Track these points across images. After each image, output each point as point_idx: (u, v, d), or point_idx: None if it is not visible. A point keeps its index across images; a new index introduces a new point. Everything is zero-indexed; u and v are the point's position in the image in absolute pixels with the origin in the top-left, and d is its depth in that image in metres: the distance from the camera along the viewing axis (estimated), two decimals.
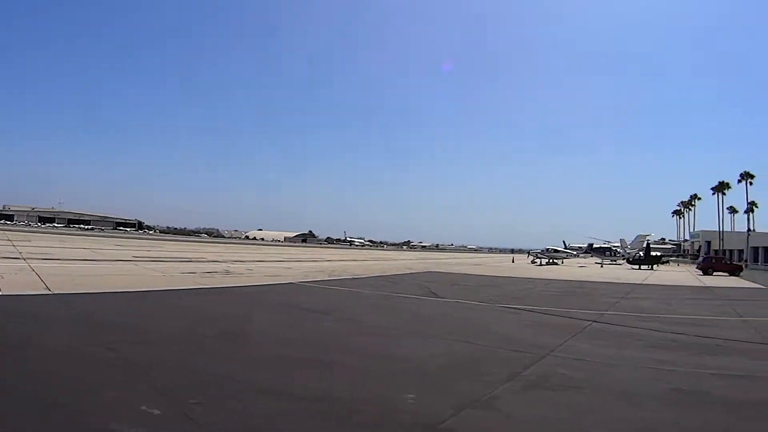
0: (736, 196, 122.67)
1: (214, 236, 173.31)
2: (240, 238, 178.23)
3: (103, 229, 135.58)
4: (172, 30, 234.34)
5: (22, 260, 21.05)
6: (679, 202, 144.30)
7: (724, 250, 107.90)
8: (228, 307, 13.21)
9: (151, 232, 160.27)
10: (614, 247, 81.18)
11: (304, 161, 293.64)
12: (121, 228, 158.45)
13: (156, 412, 4.91)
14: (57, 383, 5.70)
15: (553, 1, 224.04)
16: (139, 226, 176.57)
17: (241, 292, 16.46)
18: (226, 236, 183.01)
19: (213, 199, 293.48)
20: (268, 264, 33.17)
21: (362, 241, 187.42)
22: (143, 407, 4.96)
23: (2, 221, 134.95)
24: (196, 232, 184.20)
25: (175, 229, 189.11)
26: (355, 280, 23.28)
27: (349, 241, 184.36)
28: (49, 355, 6.98)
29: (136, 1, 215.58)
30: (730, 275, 47.83)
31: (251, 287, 17.86)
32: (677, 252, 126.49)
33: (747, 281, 39.19)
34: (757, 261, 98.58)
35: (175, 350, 7.74)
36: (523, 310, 15.02)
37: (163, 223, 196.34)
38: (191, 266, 25.97)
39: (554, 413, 5.67)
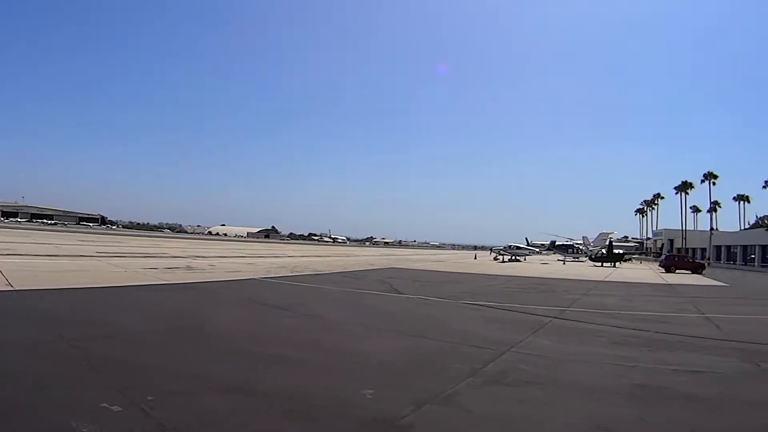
0: (699, 195, 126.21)
1: (177, 231, 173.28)
2: (203, 233, 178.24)
3: (66, 224, 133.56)
4: (133, 24, 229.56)
5: None
6: (642, 200, 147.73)
7: (687, 249, 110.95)
8: (189, 303, 13.07)
9: (114, 227, 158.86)
10: (577, 244, 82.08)
11: (266, 156, 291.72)
12: (84, 223, 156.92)
13: (116, 409, 4.87)
14: (17, 380, 5.60)
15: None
16: (102, 221, 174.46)
17: (203, 288, 16.28)
18: (189, 231, 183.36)
19: (176, 194, 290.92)
20: (231, 260, 33.17)
21: (330, 237, 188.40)
22: (103, 404, 4.93)
23: None
24: (159, 228, 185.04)
25: (138, 224, 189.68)
26: (317, 276, 23.32)
27: (318, 237, 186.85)
28: (9, 351, 6.87)
29: None
30: (693, 273, 48.76)
31: (213, 283, 17.78)
32: (640, 250, 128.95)
33: (709, 279, 40.03)
34: (720, 259, 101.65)
35: (135, 347, 7.67)
36: (485, 306, 14.97)
37: (126, 218, 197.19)
38: (153, 262, 25.87)
39: (514, 409, 5.63)
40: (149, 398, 5.17)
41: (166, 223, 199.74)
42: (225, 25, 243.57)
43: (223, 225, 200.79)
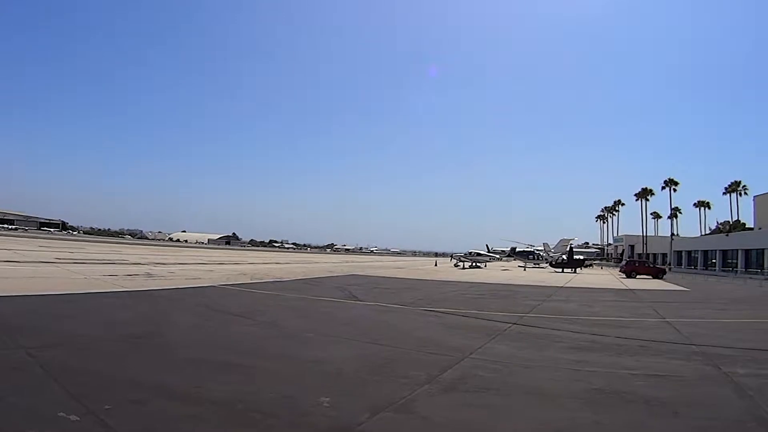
0: (660, 202, 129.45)
1: (138, 238, 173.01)
2: (164, 240, 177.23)
3: (27, 230, 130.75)
4: (83, 29, 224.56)
5: None
6: (602, 207, 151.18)
7: (648, 254, 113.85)
8: (148, 310, 13.04)
9: (75, 232, 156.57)
10: (538, 250, 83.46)
11: (226, 162, 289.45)
12: (45, 228, 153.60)
13: (74, 418, 4.90)
14: None
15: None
16: (63, 226, 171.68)
17: (162, 295, 16.28)
18: (150, 238, 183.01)
19: (137, 200, 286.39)
20: (191, 267, 33.21)
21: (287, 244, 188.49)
22: (61, 413, 4.97)
23: None
24: (120, 234, 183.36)
25: (99, 229, 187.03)
26: (277, 284, 23.52)
27: (279, 244, 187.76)
28: None
29: None
30: (654, 278, 50.17)
31: (172, 290, 17.79)
32: (601, 256, 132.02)
33: (670, 284, 41.19)
34: (681, 264, 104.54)
35: (92, 355, 7.71)
36: (444, 313, 15.11)
37: (87, 224, 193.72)
38: (113, 269, 25.81)
39: (471, 415, 5.72)
40: (107, 407, 5.20)
41: (127, 230, 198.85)
42: (187, 24, 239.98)
43: (184, 231, 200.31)
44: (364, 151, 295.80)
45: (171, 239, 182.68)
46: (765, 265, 73.21)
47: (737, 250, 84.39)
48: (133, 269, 26.27)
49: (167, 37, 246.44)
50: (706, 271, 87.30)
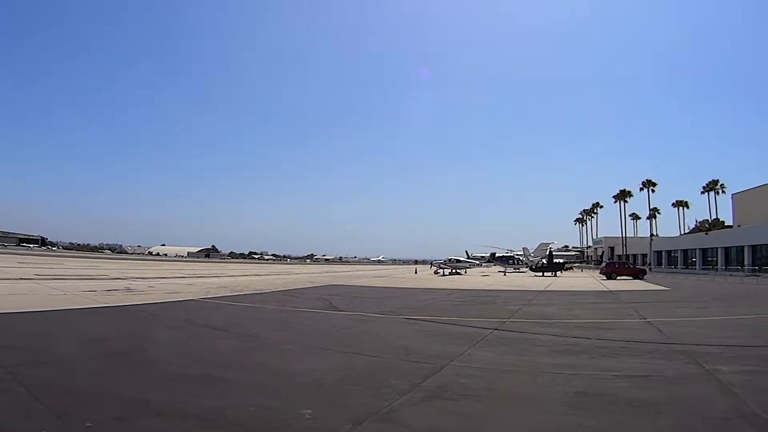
0: (638, 203, 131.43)
1: (118, 252, 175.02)
2: (143, 254, 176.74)
3: (5, 245, 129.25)
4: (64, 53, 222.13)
5: None
6: (581, 210, 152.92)
7: (628, 255, 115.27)
8: (128, 326, 13.10)
9: (54, 248, 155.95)
10: (517, 255, 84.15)
11: (205, 174, 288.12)
12: (24, 244, 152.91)
13: None
14: None
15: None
16: (42, 242, 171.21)
17: (142, 310, 16.37)
18: (129, 252, 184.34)
19: (116, 214, 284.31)
20: (171, 281, 33.33)
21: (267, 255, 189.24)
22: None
23: None
24: (100, 248, 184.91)
25: (79, 245, 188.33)
26: (257, 296, 23.66)
27: (258, 255, 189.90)
28: None
29: None
30: (634, 279, 50.81)
31: (152, 305, 17.93)
32: (581, 258, 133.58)
33: (650, 284, 41.74)
34: (661, 264, 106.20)
35: (73, 372, 7.75)
36: (424, 320, 15.12)
37: (67, 239, 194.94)
38: (93, 284, 25.86)
39: (453, 422, 5.73)
40: (88, 425, 5.22)
41: (107, 244, 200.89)
42: (160, 41, 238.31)
43: (163, 245, 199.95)
44: (341, 162, 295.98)
45: (150, 253, 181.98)
46: (745, 262, 74.60)
47: (717, 248, 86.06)
48: (113, 284, 26.39)
49: (142, 55, 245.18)
50: (686, 270, 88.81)
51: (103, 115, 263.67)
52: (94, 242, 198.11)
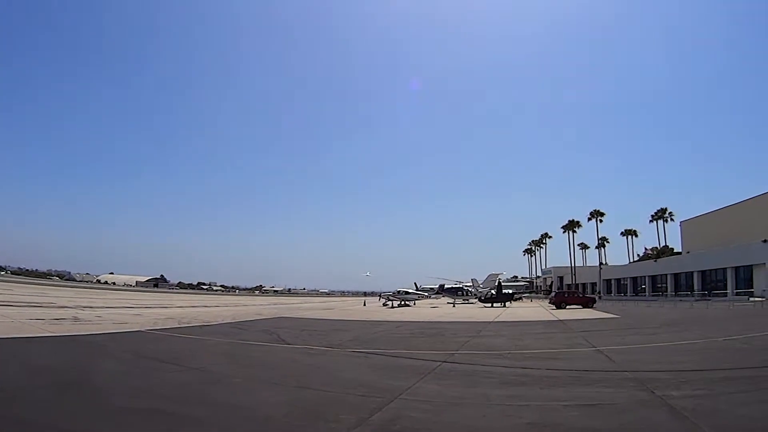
0: (586, 232, 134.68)
1: (66, 279, 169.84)
2: (92, 281, 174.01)
3: None
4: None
5: None
6: (530, 240, 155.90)
7: (578, 284, 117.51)
8: (74, 356, 13.21)
9: (2, 273, 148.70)
10: (466, 286, 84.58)
11: (153, 202, 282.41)
12: None
13: None
14: None
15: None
16: None
17: (89, 341, 16.55)
18: (78, 279, 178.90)
19: (65, 240, 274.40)
20: (118, 310, 33.77)
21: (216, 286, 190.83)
22: None
23: None
24: (48, 275, 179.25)
25: (27, 270, 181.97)
26: (205, 328, 23.88)
27: (207, 286, 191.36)
28: None
29: None
30: (584, 307, 51.76)
31: (99, 335, 18.12)
32: (530, 289, 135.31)
33: (600, 312, 42.61)
34: (610, 292, 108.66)
35: (20, 403, 7.74)
36: (372, 353, 15.17)
37: (15, 264, 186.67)
38: (40, 312, 26.32)
39: None
40: None
41: (55, 270, 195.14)
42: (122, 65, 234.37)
43: (112, 273, 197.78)
44: (291, 194, 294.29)
45: (99, 281, 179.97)
46: (695, 287, 76.82)
47: (666, 274, 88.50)
48: (61, 313, 26.77)
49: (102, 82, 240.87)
50: (636, 297, 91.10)
51: (51, 134, 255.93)
52: (42, 268, 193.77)
